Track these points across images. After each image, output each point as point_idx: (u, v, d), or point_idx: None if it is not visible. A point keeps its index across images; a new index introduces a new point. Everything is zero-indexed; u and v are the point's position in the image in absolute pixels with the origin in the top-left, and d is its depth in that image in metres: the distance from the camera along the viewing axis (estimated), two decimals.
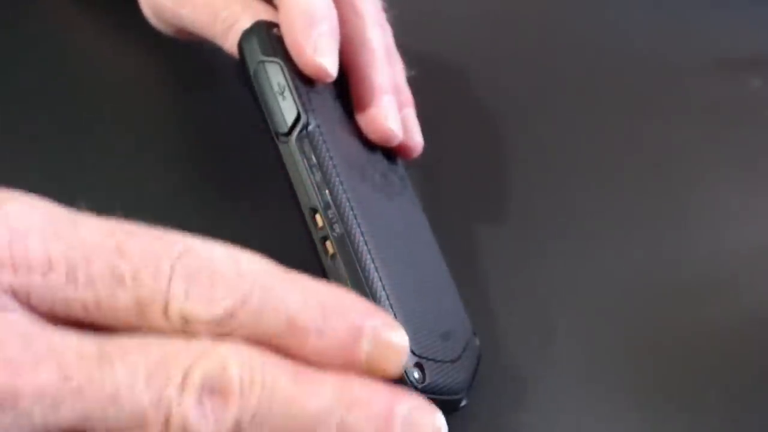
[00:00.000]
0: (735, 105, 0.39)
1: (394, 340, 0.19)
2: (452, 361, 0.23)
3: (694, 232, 0.32)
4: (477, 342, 0.26)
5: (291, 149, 0.24)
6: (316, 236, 0.23)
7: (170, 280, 0.17)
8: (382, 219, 0.25)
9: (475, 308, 0.27)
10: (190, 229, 0.29)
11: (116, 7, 0.36)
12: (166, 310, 0.17)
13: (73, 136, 0.32)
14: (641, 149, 0.36)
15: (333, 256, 0.23)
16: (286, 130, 0.24)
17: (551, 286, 0.30)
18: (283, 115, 0.24)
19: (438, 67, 0.38)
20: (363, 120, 0.27)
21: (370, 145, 0.28)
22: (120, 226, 0.18)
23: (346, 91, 0.28)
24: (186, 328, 0.18)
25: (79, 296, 0.17)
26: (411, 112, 0.31)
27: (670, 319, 0.29)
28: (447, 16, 0.42)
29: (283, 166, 0.24)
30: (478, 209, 0.32)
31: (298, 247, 0.25)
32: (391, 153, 0.29)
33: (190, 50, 0.35)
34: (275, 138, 0.24)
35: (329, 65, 0.25)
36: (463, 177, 0.34)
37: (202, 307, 0.17)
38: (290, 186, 0.24)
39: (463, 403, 0.23)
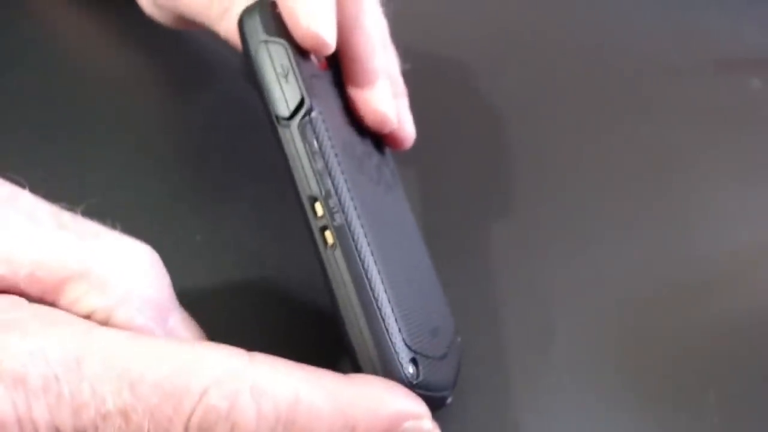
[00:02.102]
0: (735, 105, 0.39)
1: None
2: (440, 358, 0.23)
3: (694, 232, 0.32)
4: (459, 339, 0.25)
5: (292, 134, 0.23)
6: (315, 225, 0.22)
7: None
8: (379, 211, 0.24)
9: (475, 308, 0.27)
10: (190, 229, 0.29)
11: (115, 7, 0.36)
12: None
13: (72, 137, 0.32)
14: (641, 149, 0.36)
15: (332, 246, 0.22)
16: (288, 114, 0.23)
17: (551, 286, 0.29)
18: (285, 98, 0.23)
19: (434, 63, 0.38)
20: (358, 103, 0.27)
21: (364, 136, 0.27)
22: (126, 373, 0.17)
23: (341, 80, 0.27)
24: None
25: None
26: (404, 103, 0.30)
27: (670, 319, 0.29)
28: (444, 13, 0.42)
29: (281, 151, 0.23)
30: (477, 209, 0.32)
31: (298, 248, 0.25)
32: (382, 144, 0.28)
33: (189, 50, 0.35)
34: (275, 122, 0.23)
35: (327, 36, 0.24)
36: (462, 176, 0.34)
37: None
38: (288, 172, 0.23)
39: (449, 400, 0.23)
